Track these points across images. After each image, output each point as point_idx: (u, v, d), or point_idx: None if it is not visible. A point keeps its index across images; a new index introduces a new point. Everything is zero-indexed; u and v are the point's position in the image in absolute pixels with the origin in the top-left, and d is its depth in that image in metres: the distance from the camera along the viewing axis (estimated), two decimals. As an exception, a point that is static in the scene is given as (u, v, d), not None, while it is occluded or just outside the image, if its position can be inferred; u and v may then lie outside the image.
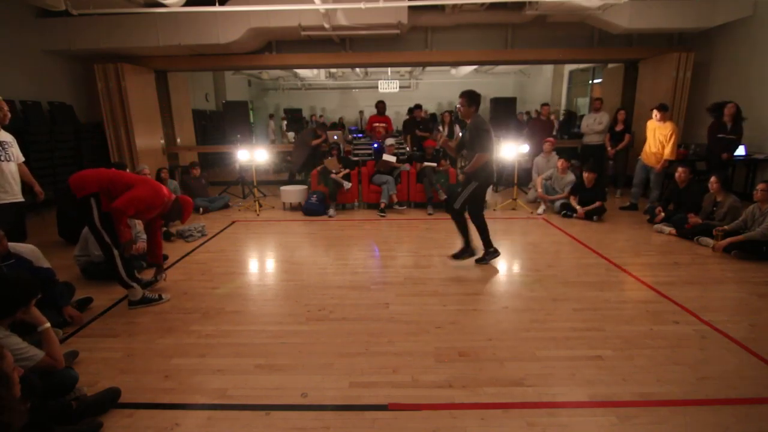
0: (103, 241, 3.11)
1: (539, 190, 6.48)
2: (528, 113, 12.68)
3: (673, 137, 5.80)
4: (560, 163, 6.33)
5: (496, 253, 4.14)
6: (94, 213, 3.04)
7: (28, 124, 6.45)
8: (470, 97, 3.87)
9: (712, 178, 4.77)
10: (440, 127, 7.91)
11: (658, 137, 5.92)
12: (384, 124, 7.82)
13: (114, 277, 3.22)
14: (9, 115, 3.62)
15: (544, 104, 8.20)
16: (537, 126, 7.87)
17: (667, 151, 5.85)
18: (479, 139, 3.80)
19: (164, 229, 5.10)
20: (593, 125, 7.35)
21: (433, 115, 12.19)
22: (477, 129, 3.81)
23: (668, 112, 5.98)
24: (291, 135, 12.11)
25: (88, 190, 3.01)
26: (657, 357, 2.54)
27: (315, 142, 7.46)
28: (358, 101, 17.89)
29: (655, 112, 5.95)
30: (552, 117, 8.55)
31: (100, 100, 7.21)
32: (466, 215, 4.07)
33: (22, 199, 3.71)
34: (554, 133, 8.43)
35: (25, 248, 3.04)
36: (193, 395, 2.25)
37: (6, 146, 3.59)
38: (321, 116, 15.52)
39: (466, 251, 4.11)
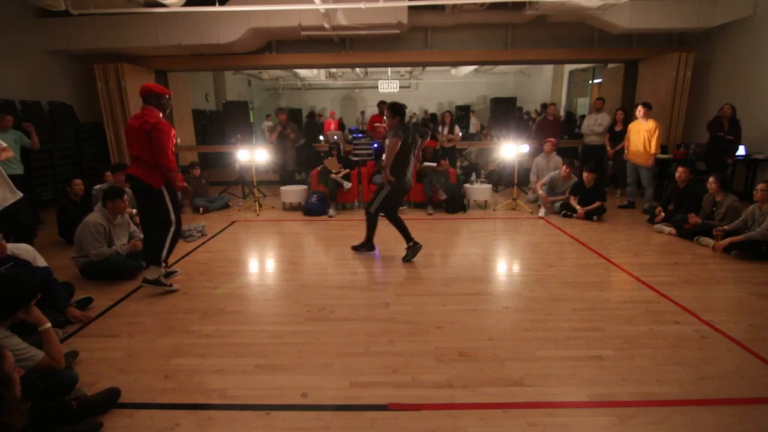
0: (168, 218, 3.41)
1: (540, 191, 6.43)
2: (528, 113, 12.68)
3: (657, 132, 5.88)
4: (564, 169, 6.30)
5: (417, 246, 4.27)
6: (166, 199, 3.39)
7: (28, 124, 6.45)
8: (393, 109, 3.92)
9: (711, 178, 4.78)
10: (440, 128, 7.92)
11: (643, 135, 5.98)
12: (385, 124, 7.84)
13: (153, 248, 3.44)
14: None
15: (551, 104, 8.21)
16: (545, 126, 7.86)
17: (653, 145, 5.92)
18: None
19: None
20: (593, 126, 7.35)
21: (434, 115, 12.20)
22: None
23: (651, 110, 6.07)
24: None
25: (158, 182, 3.31)
26: (657, 357, 2.54)
27: (272, 137, 7.49)
28: (358, 101, 17.90)
29: (640, 107, 6.02)
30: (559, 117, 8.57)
31: (100, 100, 7.21)
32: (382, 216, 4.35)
33: (15, 198, 3.64)
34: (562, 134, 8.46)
35: (21, 249, 2.99)
36: (193, 395, 2.24)
37: None
38: (320, 116, 15.52)
39: (365, 245, 4.46)
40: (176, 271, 3.98)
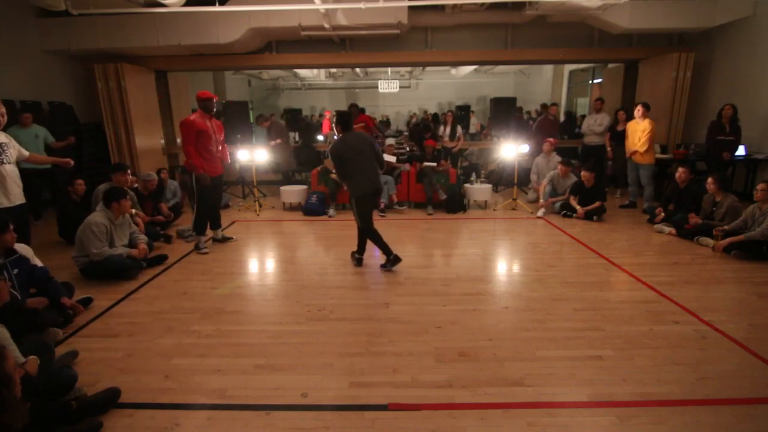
0: (197, 199, 4.54)
1: (541, 199, 6.40)
2: (528, 112, 12.68)
3: (648, 131, 5.92)
4: (560, 168, 6.30)
5: (360, 262, 4.15)
6: (195, 184, 4.47)
7: (28, 124, 6.44)
8: (337, 117, 3.89)
9: (709, 179, 4.77)
10: (442, 127, 7.94)
11: (639, 135, 6.04)
12: (362, 123, 7.99)
13: (196, 222, 4.64)
14: (5, 118, 3.49)
15: (553, 104, 8.23)
16: (545, 125, 7.85)
17: (641, 142, 5.96)
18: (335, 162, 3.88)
19: (162, 231, 5.11)
20: (593, 126, 7.36)
21: (435, 115, 12.20)
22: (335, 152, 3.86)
23: (649, 111, 6.11)
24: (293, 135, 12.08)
25: (192, 169, 4.39)
26: (657, 357, 2.54)
27: (273, 142, 7.61)
28: (358, 101, 17.88)
29: (639, 107, 6.06)
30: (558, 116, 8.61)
31: (100, 100, 7.20)
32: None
33: (24, 201, 3.68)
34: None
35: (20, 247, 3.08)
36: (193, 395, 2.25)
37: (4, 147, 3.46)
38: (320, 116, 15.50)
39: (390, 260, 3.99)
40: (231, 238, 5.05)
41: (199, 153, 4.39)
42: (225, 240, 4.98)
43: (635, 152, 6.09)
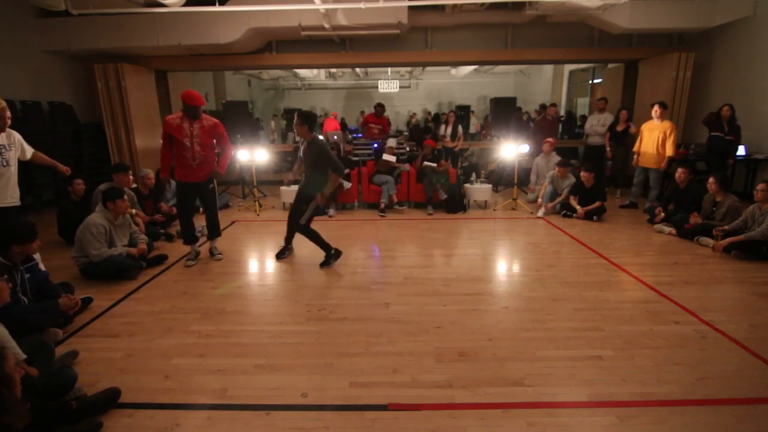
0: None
1: (540, 199, 6.40)
2: (528, 113, 12.68)
3: (673, 134, 5.85)
4: (558, 170, 6.28)
5: (338, 254, 4.24)
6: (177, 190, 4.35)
7: (28, 124, 6.44)
8: (302, 117, 3.90)
9: (711, 179, 4.77)
10: (443, 126, 7.95)
11: (656, 135, 5.93)
12: (381, 126, 7.95)
13: (180, 230, 4.43)
14: (9, 121, 3.40)
15: (552, 104, 8.23)
16: (544, 126, 7.85)
17: (669, 148, 5.87)
18: (328, 159, 3.92)
19: (162, 231, 5.12)
20: (597, 126, 7.32)
21: (436, 115, 12.20)
22: (321, 152, 3.92)
23: (667, 110, 6.01)
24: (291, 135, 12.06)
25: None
26: (657, 357, 2.54)
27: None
28: (358, 101, 17.89)
29: (656, 107, 5.94)
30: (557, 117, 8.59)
31: (100, 100, 7.21)
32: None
33: (19, 203, 3.64)
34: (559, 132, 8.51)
35: None
36: (193, 395, 2.25)
37: (3, 150, 3.40)
38: (321, 116, 15.48)
39: (332, 256, 4.21)
40: (218, 255, 4.44)
41: (175, 156, 4.02)
42: (212, 254, 4.43)
43: (670, 159, 5.90)
